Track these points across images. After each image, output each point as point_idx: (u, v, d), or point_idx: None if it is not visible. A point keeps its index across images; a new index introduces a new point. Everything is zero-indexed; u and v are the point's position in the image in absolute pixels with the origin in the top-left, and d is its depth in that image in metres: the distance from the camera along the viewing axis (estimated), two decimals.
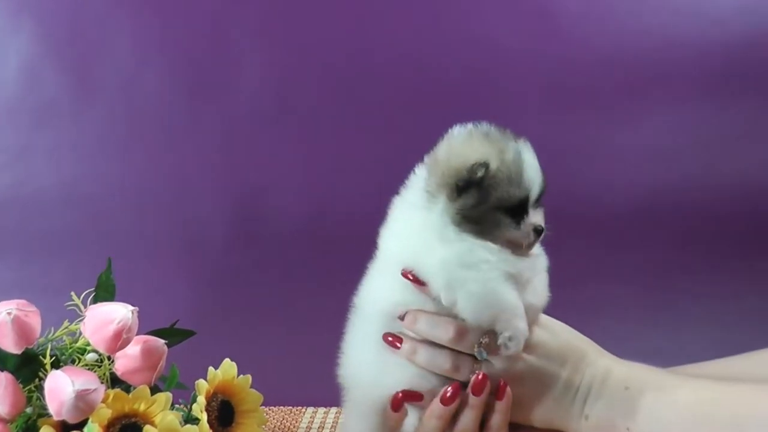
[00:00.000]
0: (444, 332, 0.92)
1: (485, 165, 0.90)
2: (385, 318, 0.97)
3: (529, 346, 0.93)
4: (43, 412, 0.96)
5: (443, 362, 0.93)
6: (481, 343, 0.92)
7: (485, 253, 0.91)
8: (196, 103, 1.50)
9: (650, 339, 1.41)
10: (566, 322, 1.00)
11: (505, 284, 0.91)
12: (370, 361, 0.98)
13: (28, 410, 0.98)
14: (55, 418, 0.93)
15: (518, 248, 0.93)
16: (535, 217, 0.93)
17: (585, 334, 1.00)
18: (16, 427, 0.97)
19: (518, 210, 0.92)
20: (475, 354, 0.92)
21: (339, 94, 1.45)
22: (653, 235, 1.41)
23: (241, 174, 1.50)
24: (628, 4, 1.40)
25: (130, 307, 0.97)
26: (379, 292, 0.98)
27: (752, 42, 1.38)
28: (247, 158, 1.50)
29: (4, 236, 1.51)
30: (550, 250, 0.98)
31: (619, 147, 1.43)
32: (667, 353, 1.09)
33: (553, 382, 0.95)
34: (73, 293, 1.03)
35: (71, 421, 0.92)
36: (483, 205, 0.91)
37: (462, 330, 0.92)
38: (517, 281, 0.92)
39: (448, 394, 0.92)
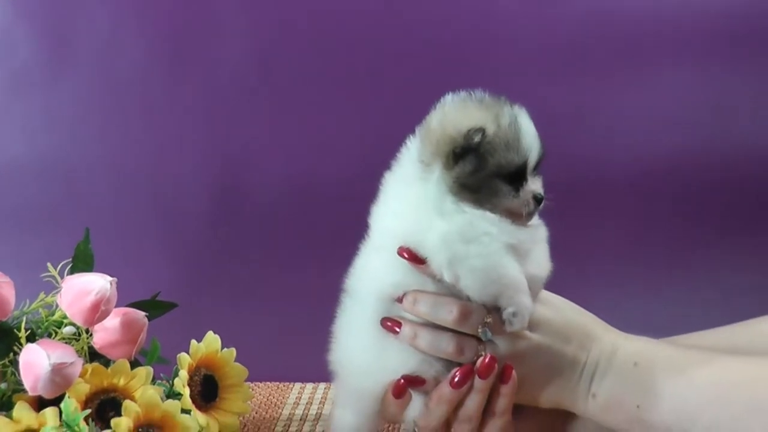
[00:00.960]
0: (447, 313, 0.89)
1: (482, 130, 0.88)
2: (382, 301, 0.94)
3: (532, 324, 0.91)
4: (18, 388, 0.97)
5: (446, 345, 0.90)
6: (486, 323, 0.89)
7: (486, 224, 0.88)
8: (176, 71, 1.49)
9: (654, 312, 1.40)
10: (567, 297, 0.99)
11: (508, 257, 0.89)
12: (366, 347, 0.94)
13: (3, 386, 0.98)
14: (31, 393, 0.93)
15: (517, 218, 0.91)
16: (534, 185, 0.91)
17: (587, 309, 0.99)
18: None
19: (516, 177, 0.90)
20: (480, 335, 0.89)
21: (322, 65, 1.44)
22: (655, 205, 1.40)
23: (222, 146, 1.50)
24: None
25: (109, 278, 0.98)
26: (374, 273, 0.95)
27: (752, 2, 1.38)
28: (228, 130, 1.50)
29: None
30: (549, 221, 0.97)
31: (618, 112, 1.42)
32: (671, 328, 1.08)
33: (559, 361, 0.92)
34: (49, 264, 1.03)
35: (47, 396, 0.93)
36: (480, 173, 0.89)
37: (466, 310, 0.89)
38: (518, 253, 0.90)
39: (457, 378, 0.89)
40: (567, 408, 0.94)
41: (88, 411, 0.92)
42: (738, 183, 1.40)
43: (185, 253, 1.48)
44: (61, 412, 0.90)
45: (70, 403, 0.90)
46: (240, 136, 1.48)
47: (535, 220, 0.94)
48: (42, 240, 1.41)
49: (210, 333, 1.06)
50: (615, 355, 0.92)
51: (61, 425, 0.89)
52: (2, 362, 0.98)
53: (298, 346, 1.37)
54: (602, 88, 1.40)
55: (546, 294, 0.96)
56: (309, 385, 1.28)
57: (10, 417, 0.91)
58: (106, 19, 1.46)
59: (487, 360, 0.88)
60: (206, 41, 1.47)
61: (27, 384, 0.93)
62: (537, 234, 0.94)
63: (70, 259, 1.06)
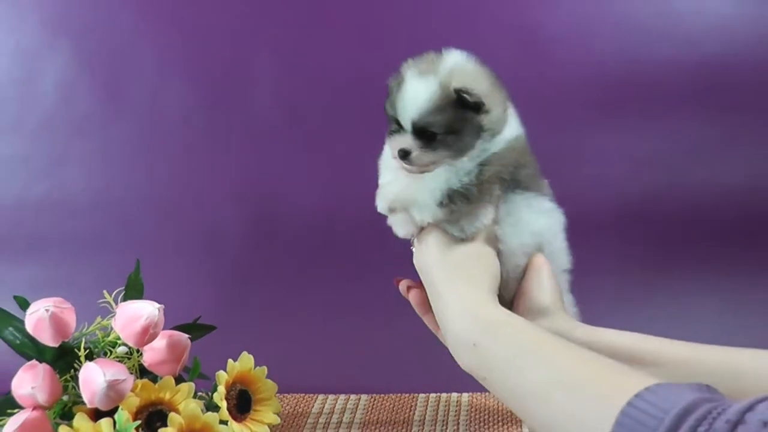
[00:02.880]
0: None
1: (393, 78, 0.94)
2: None
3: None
4: (77, 400, 0.98)
5: None
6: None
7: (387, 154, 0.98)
8: (215, 116, 1.50)
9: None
10: None
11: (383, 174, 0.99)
12: None
13: (65, 398, 0.99)
14: (89, 405, 0.94)
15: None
16: (401, 141, 0.93)
17: None
18: (54, 413, 0.98)
19: (393, 127, 0.94)
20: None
21: (344, 110, 1.44)
22: (629, 236, 1.41)
23: (256, 181, 1.50)
24: (605, 26, 1.40)
25: (157, 305, 0.99)
26: None
27: (719, 61, 1.38)
28: (261, 166, 1.50)
29: (40, 238, 1.51)
30: None
31: (600, 155, 1.43)
32: None
33: None
34: (105, 291, 1.04)
35: (103, 408, 0.94)
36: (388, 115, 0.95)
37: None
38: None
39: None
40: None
41: (138, 422, 0.93)
42: (703, 217, 1.41)
43: (223, 280, 1.48)
44: (114, 423, 0.91)
45: (123, 415, 0.91)
46: (272, 173, 1.49)
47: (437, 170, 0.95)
48: (97, 266, 1.43)
49: (244, 353, 1.07)
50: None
51: None
52: (64, 377, 0.99)
53: (322, 361, 1.39)
54: (583, 131, 1.42)
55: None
56: (331, 396, 1.27)
57: (70, 426, 0.92)
58: (154, 71, 1.48)
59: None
60: (242, 89, 1.48)
61: (85, 397, 0.94)
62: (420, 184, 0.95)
63: (123, 288, 1.06)
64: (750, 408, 0.58)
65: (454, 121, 0.91)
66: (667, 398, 0.63)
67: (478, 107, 0.91)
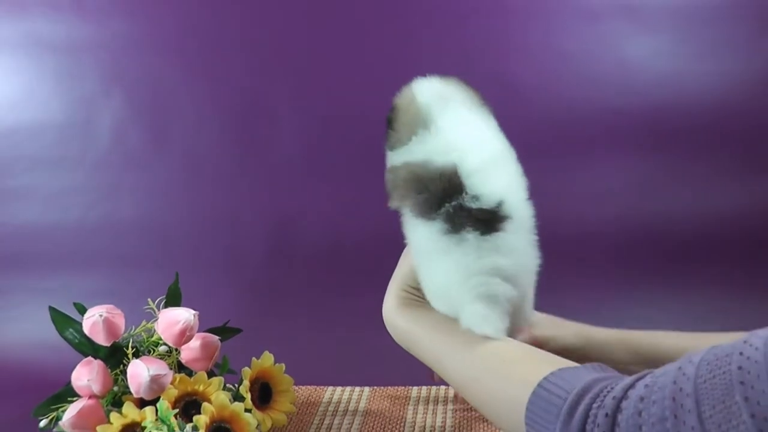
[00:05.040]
0: None
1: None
2: None
3: None
4: (126, 391, 0.97)
5: None
6: None
7: None
8: (242, 153, 1.52)
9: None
10: None
11: None
12: None
13: (115, 389, 0.99)
14: (135, 395, 0.94)
15: None
16: None
17: None
18: (106, 401, 0.98)
19: None
20: None
21: (350, 147, 1.46)
22: (595, 259, 1.42)
23: (276, 207, 1.52)
24: (574, 79, 1.42)
25: (193, 311, 0.98)
26: None
27: (665, 109, 1.40)
28: (281, 195, 1.52)
29: (96, 255, 1.53)
30: None
31: (566, 187, 1.44)
32: None
33: None
34: (149, 300, 1.04)
35: (147, 398, 0.94)
36: None
37: None
38: None
39: None
40: None
41: (177, 410, 0.93)
42: (657, 240, 1.41)
43: (248, 291, 1.49)
44: (156, 410, 0.91)
45: (164, 404, 0.91)
46: (289, 201, 1.51)
47: None
48: (143, 279, 1.43)
49: (266, 352, 1.06)
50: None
51: (157, 420, 0.90)
52: (114, 372, 0.98)
53: (332, 357, 1.39)
54: (554, 167, 1.42)
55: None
56: (339, 388, 1.27)
57: (120, 412, 0.92)
58: (191, 115, 1.50)
59: None
60: (265, 132, 1.51)
61: (132, 388, 0.94)
62: None
63: (164, 297, 1.06)
64: (632, 386, 0.59)
65: None
66: (569, 380, 0.63)
67: None
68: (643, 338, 0.91)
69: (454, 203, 0.73)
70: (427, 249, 0.77)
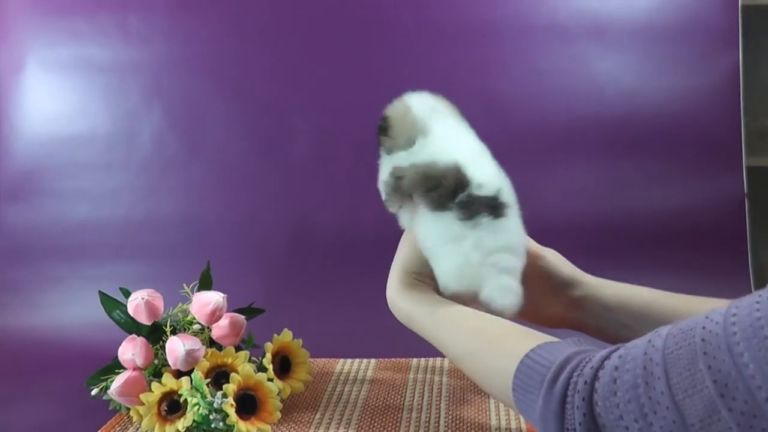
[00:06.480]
0: None
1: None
2: None
3: None
4: (165, 363, 0.98)
5: None
6: None
7: None
8: (265, 157, 1.52)
9: None
10: None
11: None
12: None
13: (155, 362, 1.00)
14: (173, 367, 0.95)
15: None
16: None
17: None
18: (148, 373, 0.99)
19: None
20: None
21: (361, 152, 1.43)
22: (571, 247, 1.41)
23: (295, 204, 1.52)
24: (549, 93, 1.42)
25: (222, 295, 0.99)
26: None
27: (630, 117, 1.39)
28: (299, 193, 1.52)
29: (140, 246, 1.53)
30: None
31: (543, 188, 1.44)
32: None
33: None
34: (185, 285, 1.04)
35: (183, 369, 0.95)
36: None
37: None
38: None
39: None
40: None
41: (209, 380, 0.93)
42: (626, 231, 1.41)
43: (271, 276, 1.48)
44: (191, 380, 0.92)
45: (197, 374, 0.92)
46: (307, 197, 1.52)
47: None
48: (179, 266, 1.39)
49: (285, 329, 1.06)
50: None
51: (192, 388, 0.91)
52: (155, 347, 0.99)
53: (344, 333, 1.37)
54: (532, 171, 1.43)
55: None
56: (348, 360, 1.27)
57: (160, 382, 0.93)
58: (221, 125, 1.50)
59: None
60: (285, 137, 1.51)
61: (170, 361, 0.95)
62: None
63: (198, 282, 1.06)
64: (608, 357, 0.59)
65: None
66: (552, 353, 0.63)
67: None
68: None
69: (465, 193, 0.76)
70: (443, 237, 0.78)
